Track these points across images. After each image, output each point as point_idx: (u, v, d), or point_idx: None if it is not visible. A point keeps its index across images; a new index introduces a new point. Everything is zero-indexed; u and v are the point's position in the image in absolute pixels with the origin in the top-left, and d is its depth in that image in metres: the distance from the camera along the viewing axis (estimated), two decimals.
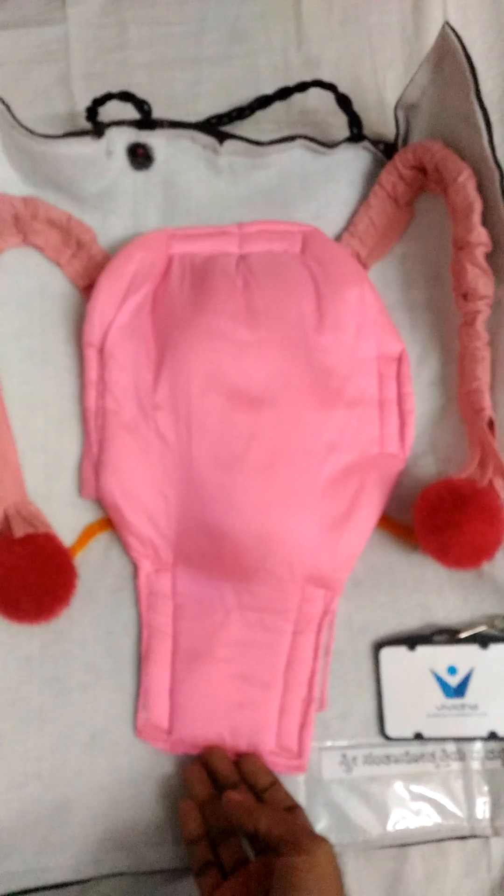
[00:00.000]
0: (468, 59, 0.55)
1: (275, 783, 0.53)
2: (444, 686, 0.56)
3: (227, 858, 0.51)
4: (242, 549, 0.55)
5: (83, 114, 0.62)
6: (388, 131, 0.66)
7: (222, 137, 0.63)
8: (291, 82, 0.65)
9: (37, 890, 0.53)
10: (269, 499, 0.56)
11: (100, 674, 0.57)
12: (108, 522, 0.59)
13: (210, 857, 0.51)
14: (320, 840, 0.46)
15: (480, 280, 0.56)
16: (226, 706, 0.55)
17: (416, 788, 0.56)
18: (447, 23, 0.57)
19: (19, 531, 0.55)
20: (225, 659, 0.56)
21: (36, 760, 0.55)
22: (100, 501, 0.59)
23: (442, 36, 0.57)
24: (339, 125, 0.65)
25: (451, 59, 0.57)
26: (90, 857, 0.54)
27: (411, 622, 0.58)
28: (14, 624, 0.55)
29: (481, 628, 0.56)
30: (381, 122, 0.69)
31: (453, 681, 0.56)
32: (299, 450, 0.57)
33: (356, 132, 0.64)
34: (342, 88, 0.64)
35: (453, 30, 0.56)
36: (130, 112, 0.62)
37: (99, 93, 0.62)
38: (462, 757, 0.56)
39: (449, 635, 0.56)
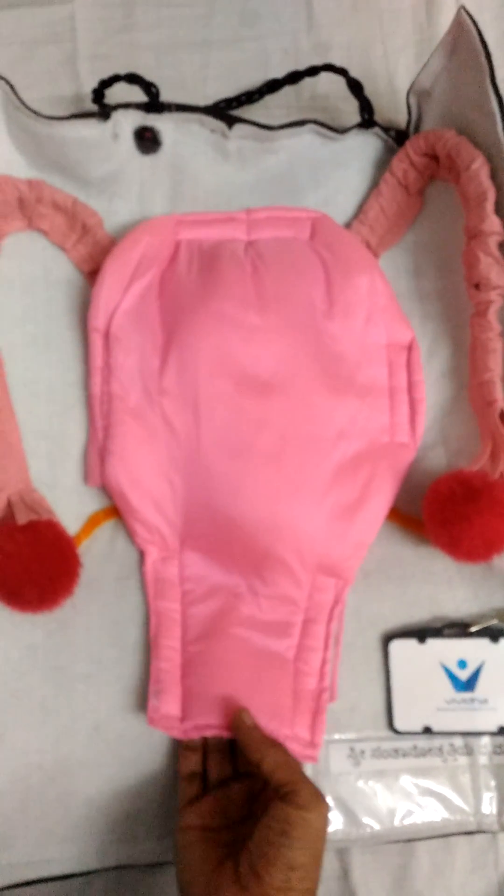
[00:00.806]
0: (484, 44, 0.55)
1: None
2: (454, 680, 0.55)
3: (213, 769, 0.52)
4: (251, 537, 0.55)
5: (89, 96, 0.61)
6: (399, 118, 0.65)
7: (231, 121, 0.62)
8: (301, 67, 0.64)
9: (40, 881, 0.53)
10: (277, 486, 0.55)
11: (104, 664, 0.56)
12: (114, 511, 0.58)
13: (200, 769, 0.53)
14: (319, 798, 0.46)
15: (493, 269, 0.56)
16: (238, 691, 0.53)
17: (423, 783, 0.55)
18: (463, 7, 0.56)
19: (22, 518, 0.54)
20: (236, 645, 0.55)
21: (39, 752, 0.54)
22: (105, 488, 0.58)
23: (457, 21, 0.57)
24: (349, 111, 0.65)
25: (465, 45, 0.56)
26: (93, 849, 0.53)
27: (420, 615, 0.57)
28: (17, 613, 0.54)
29: (492, 622, 0.56)
30: (392, 108, 0.68)
31: (463, 675, 0.55)
32: (309, 437, 0.57)
33: (367, 118, 0.63)
34: (353, 74, 0.63)
35: (469, 15, 0.55)
36: (137, 95, 0.61)
37: (106, 74, 0.61)
38: (470, 751, 0.56)
39: (459, 629, 0.56)
